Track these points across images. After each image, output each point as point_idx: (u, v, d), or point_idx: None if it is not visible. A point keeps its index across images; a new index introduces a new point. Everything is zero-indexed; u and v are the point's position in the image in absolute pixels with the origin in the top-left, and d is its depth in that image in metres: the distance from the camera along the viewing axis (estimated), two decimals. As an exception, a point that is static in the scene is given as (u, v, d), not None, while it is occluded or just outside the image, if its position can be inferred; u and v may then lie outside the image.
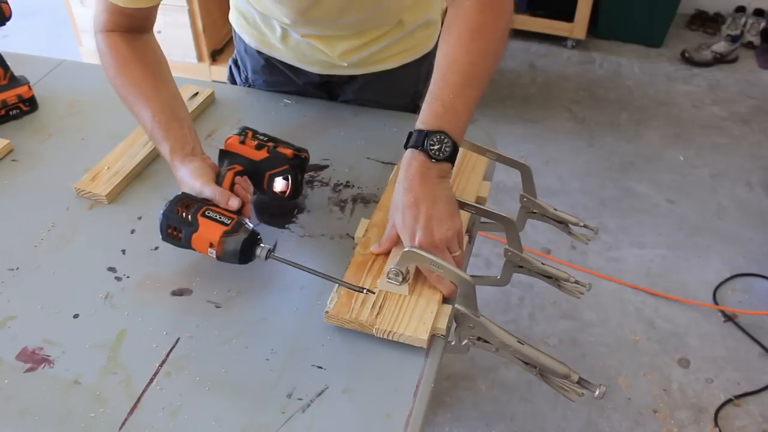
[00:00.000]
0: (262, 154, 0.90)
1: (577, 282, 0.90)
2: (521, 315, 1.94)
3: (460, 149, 0.88)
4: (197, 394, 0.73)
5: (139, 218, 0.96)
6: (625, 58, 3.17)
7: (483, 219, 0.92)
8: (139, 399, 0.72)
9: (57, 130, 1.13)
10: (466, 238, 0.88)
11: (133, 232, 0.94)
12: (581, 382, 0.75)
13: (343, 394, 0.73)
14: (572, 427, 1.66)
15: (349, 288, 0.80)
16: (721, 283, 2.03)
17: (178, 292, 0.85)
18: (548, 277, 0.90)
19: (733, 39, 3.10)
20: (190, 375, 0.75)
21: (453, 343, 0.79)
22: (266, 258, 0.82)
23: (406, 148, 0.83)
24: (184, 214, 0.82)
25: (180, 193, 0.86)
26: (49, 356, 0.77)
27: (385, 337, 0.76)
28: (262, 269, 0.88)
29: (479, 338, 0.77)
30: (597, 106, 2.85)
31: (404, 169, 0.82)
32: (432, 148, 0.80)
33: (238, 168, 0.89)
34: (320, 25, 1.06)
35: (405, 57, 1.16)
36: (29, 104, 1.16)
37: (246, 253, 0.81)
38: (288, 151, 0.91)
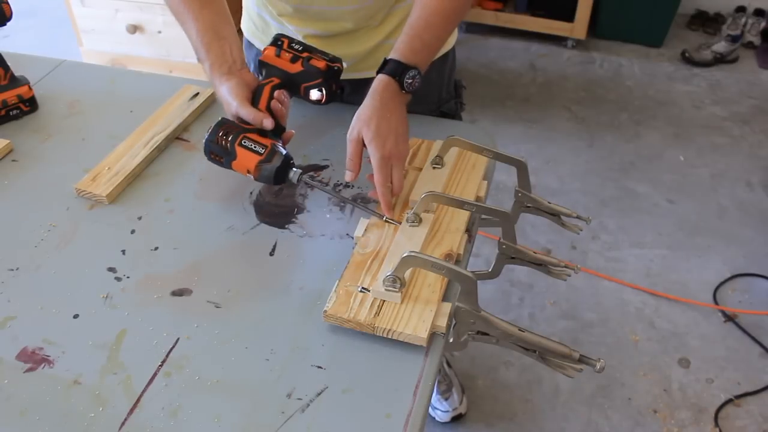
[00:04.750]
0: (297, 67, 0.94)
1: (566, 266, 0.92)
2: (521, 315, 1.94)
3: (457, 149, 0.96)
4: (197, 394, 0.73)
5: (139, 218, 0.96)
6: (626, 58, 3.17)
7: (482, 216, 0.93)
8: (139, 399, 0.73)
9: (57, 131, 1.13)
10: (465, 237, 0.89)
11: (133, 232, 0.94)
12: (582, 359, 0.76)
13: (342, 394, 0.73)
14: (572, 427, 1.66)
15: (372, 213, 0.91)
16: (722, 283, 2.03)
17: (178, 292, 0.85)
18: (539, 265, 0.94)
19: (734, 39, 3.10)
20: (190, 375, 0.75)
21: (452, 341, 0.79)
22: (297, 181, 0.91)
23: (380, 72, 0.92)
24: (223, 142, 0.90)
25: (220, 118, 0.92)
26: (49, 356, 0.77)
27: (385, 335, 0.76)
28: (262, 269, 0.88)
29: (478, 332, 0.77)
30: (597, 106, 2.85)
31: (378, 91, 0.91)
32: (407, 81, 0.91)
33: (275, 81, 0.94)
34: (321, 17, 1.07)
35: None
36: (29, 104, 1.16)
37: (279, 177, 0.89)
38: (321, 64, 0.94)
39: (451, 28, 0.98)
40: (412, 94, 0.93)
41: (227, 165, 0.90)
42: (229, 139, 0.89)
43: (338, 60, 0.96)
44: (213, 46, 0.95)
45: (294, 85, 0.95)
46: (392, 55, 0.91)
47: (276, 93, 0.93)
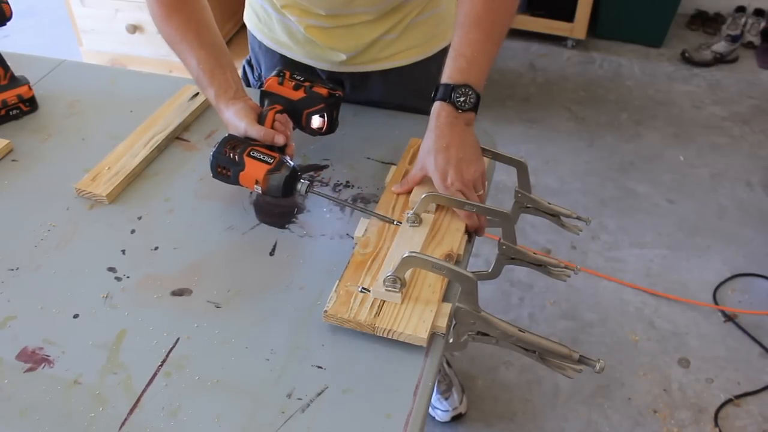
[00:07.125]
0: (300, 94, 0.97)
1: (566, 266, 0.92)
2: (521, 315, 1.94)
3: None
4: (197, 394, 0.73)
5: (139, 218, 0.96)
6: (625, 58, 3.17)
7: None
8: (139, 399, 0.73)
9: (57, 130, 1.13)
10: (465, 237, 0.89)
11: (133, 232, 0.94)
12: (582, 359, 0.76)
13: (343, 394, 0.73)
14: (572, 427, 1.66)
15: (381, 218, 0.89)
16: (721, 283, 2.03)
17: (178, 292, 0.85)
18: (539, 265, 0.94)
19: (733, 39, 3.10)
20: (190, 375, 0.75)
21: (452, 341, 0.79)
22: (306, 192, 0.91)
23: (434, 101, 0.91)
24: (231, 154, 0.90)
25: (227, 134, 0.93)
26: (49, 356, 0.77)
27: (385, 335, 0.76)
28: (262, 269, 0.88)
29: (478, 332, 0.77)
30: (597, 106, 2.85)
31: (434, 119, 0.90)
32: (458, 100, 0.89)
33: (278, 108, 0.96)
34: (334, 14, 1.06)
35: (417, 54, 1.15)
36: (29, 104, 1.16)
37: (288, 188, 0.89)
38: (323, 91, 0.98)
39: (498, 38, 0.94)
40: (473, 111, 0.91)
41: (234, 178, 0.90)
42: (237, 150, 0.90)
43: (339, 88, 0.99)
44: (216, 73, 0.97)
45: (296, 112, 0.98)
46: (441, 81, 0.92)
47: (278, 117, 0.95)
